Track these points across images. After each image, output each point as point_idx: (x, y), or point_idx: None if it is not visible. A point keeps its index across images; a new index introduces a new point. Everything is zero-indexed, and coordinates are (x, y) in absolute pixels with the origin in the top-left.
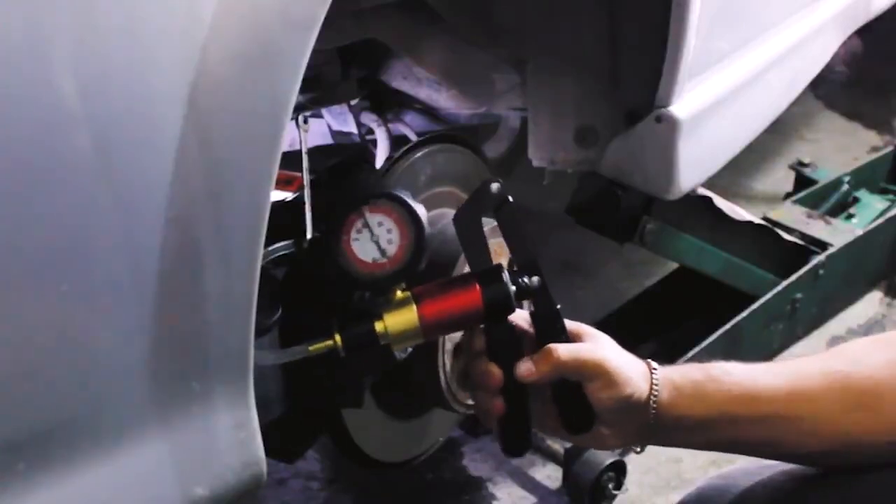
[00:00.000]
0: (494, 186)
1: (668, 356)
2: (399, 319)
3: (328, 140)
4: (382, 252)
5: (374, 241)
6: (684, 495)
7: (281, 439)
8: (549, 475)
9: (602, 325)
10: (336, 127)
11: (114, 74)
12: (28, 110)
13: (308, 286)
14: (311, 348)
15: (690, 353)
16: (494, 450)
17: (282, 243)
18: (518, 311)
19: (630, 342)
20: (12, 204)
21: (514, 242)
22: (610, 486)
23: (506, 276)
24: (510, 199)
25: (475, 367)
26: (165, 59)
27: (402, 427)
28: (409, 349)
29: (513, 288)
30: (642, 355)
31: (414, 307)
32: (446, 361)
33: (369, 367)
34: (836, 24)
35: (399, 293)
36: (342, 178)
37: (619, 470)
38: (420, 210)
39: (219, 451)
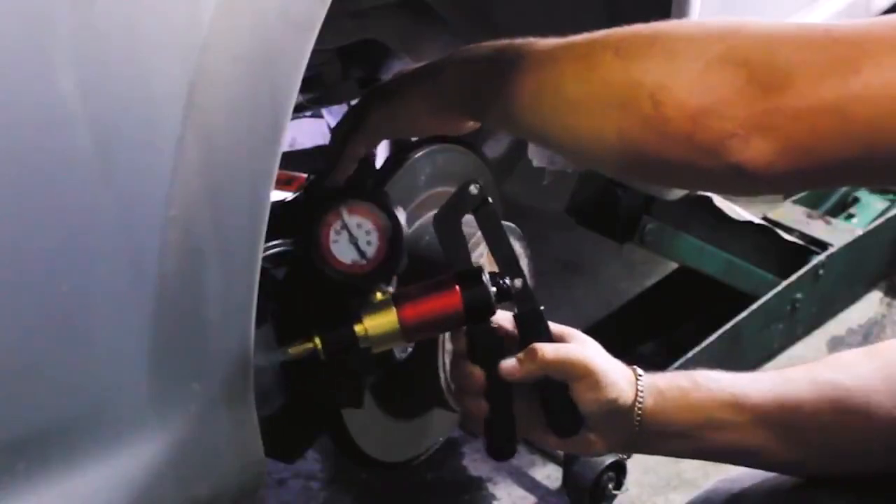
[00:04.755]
0: (473, 188)
1: (668, 356)
2: (379, 322)
3: (328, 140)
4: (361, 254)
5: (352, 242)
6: (692, 497)
7: (281, 439)
8: (549, 475)
9: (602, 325)
10: None
11: (114, 74)
12: (28, 110)
13: (304, 286)
14: (290, 351)
15: (690, 354)
16: None
17: (277, 241)
18: (502, 312)
19: (630, 342)
20: (12, 204)
21: (494, 243)
22: (610, 486)
23: (486, 277)
24: (489, 199)
25: (457, 369)
26: (165, 59)
27: (402, 427)
28: (410, 349)
29: (493, 289)
30: (642, 355)
31: (394, 309)
32: (446, 361)
33: (366, 369)
34: None
35: (379, 295)
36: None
37: (619, 470)
38: (399, 211)
39: (219, 451)
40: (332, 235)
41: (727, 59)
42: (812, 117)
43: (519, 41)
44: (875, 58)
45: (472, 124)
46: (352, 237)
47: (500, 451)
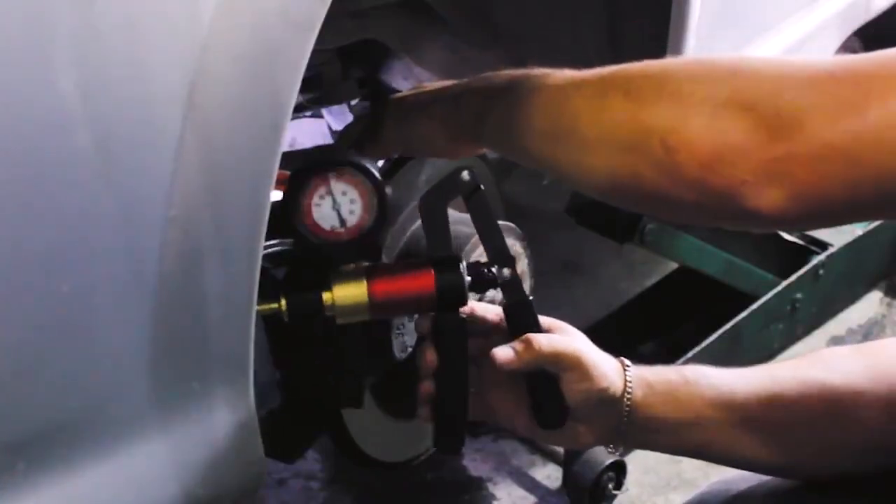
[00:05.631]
0: (466, 174)
1: (668, 356)
2: (348, 293)
3: (328, 140)
4: (342, 221)
5: (335, 209)
6: (688, 500)
7: (281, 439)
8: (549, 475)
9: (602, 325)
10: (336, 127)
11: (114, 74)
12: (28, 110)
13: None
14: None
15: (690, 354)
16: (495, 450)
17: (277, 241)
18: (489, 305)
19: (630, 342)
20: (13, 204)
21: (485, 232)
22: (610, 486)
23: (462, 266)
24: (482, 187)
25: (419, 350)
26: (165, 59)
27: (402, 427)
28: (410, 349)
29: (468, 279)
30: (642, 355)
31: (365, 282)
32: None
33: (369, 368)
34: (835, 24)
35: (353, 267)
36: None
37: (619, 470)
38: (387, 188)
39: (219, 451)
40: (316, 199)
41: (734, 104)
42: (822, 164)
43: (534, 73)
44: (881, 99)
45: (482, 150)
46: (335, 203)
47: (445, 445)
